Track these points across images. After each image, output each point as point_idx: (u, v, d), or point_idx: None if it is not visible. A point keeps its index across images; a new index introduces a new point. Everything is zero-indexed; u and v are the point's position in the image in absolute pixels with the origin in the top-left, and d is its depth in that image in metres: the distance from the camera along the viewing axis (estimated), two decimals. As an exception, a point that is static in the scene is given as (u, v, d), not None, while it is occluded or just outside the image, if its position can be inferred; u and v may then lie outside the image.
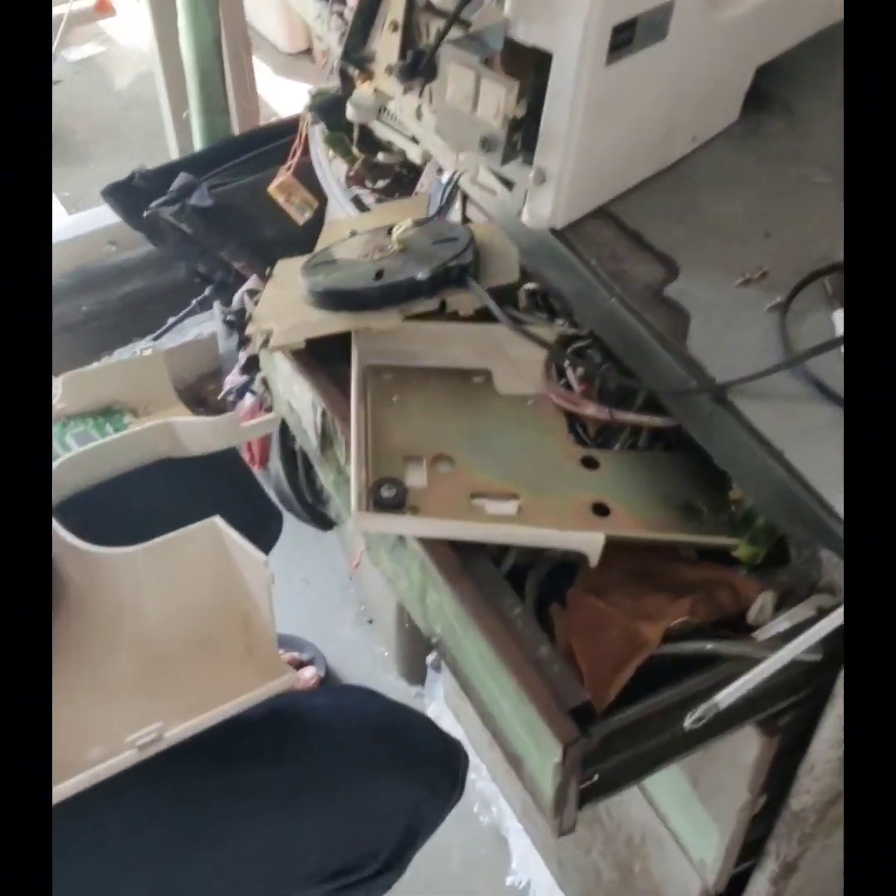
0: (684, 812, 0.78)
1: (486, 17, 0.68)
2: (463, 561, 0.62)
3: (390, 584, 0.73)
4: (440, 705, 1.34)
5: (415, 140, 0.95)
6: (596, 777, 0.60)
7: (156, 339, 1.51)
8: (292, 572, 1.53)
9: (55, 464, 0.83)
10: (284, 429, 1.51)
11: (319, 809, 0.77)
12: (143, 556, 0.74)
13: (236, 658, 0.76)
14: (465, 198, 0.86)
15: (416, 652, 1.39)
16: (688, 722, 0.54)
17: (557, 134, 0.66)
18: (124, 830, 0.71)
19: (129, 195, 1.36)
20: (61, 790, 0.65)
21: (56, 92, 2.12)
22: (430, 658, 1.39)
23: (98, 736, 0.71)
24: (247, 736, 0.77)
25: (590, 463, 0.67)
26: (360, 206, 1.05)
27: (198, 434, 0.89)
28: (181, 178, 1.33)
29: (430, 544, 0.63)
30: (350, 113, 0.82)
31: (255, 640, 0.76)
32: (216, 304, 1.56)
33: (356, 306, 0.72)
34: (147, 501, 0.89)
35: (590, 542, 0.61)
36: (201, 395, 1.74)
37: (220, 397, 1.45)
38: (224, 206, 1.32)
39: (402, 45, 0.73)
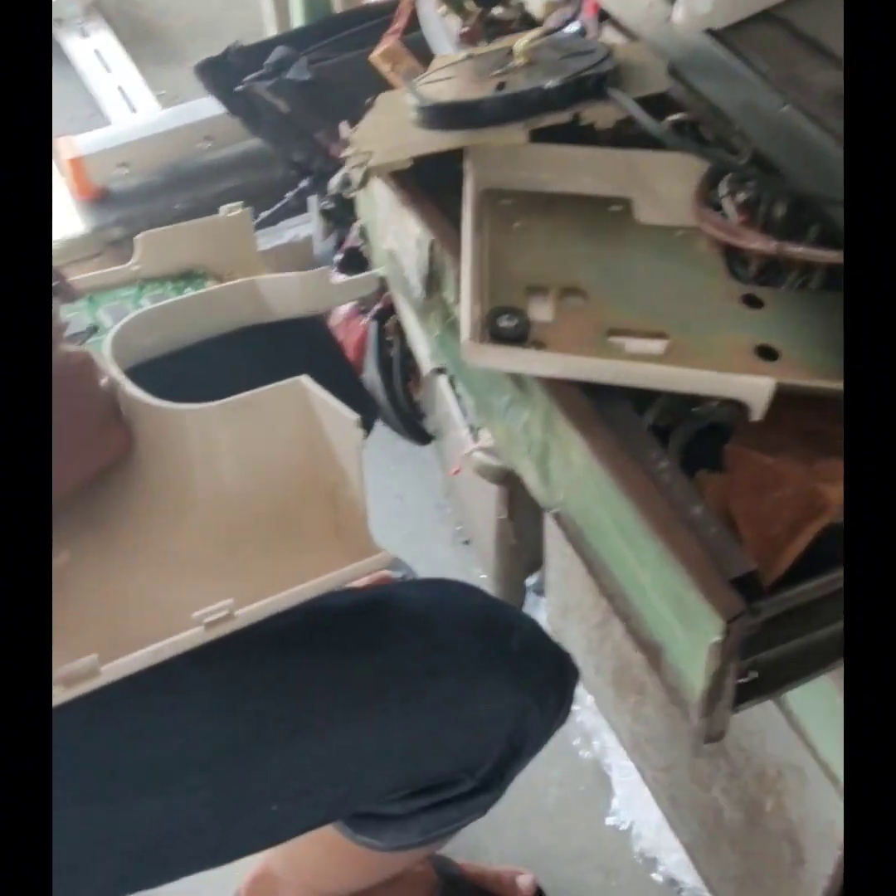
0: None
1: None
2: (597, 406, 0.51)
3: (503, 452, 0.62)
4: (541, 629, 1.24)
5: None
6: (754, 674, 0.49)
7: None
8: (386, 488, 1.44)
9: (130, 317, 0.74)
10: (380, 335, 1.42)
11: (412, 711, 0.67)
12: (217, 414, 0.64)
13: (322, 536, 0.66)
14: (600, 21, 0.74)
15: (516, 574, 1.29)
16: None
17: None
18: (189, 721, 0.62)
19: (223, 71, 1.27)
20: (117, 666, 0.56)
21: (155, -10, 2.05)
22: (531, 580, 1.28)
23: (163, 612, 0.62)
24: (331, 624, 0.67)
25: (753, 301, 0.55)
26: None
27: (286, 292, 0.79)
28: (278, 52, 1.23)
29: (557, 387, 0.52)
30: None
31: (344, 516, 0.66)
32: (312, 199, 1.47)
33: (473, 121, 0.61)
34: (226, 374, 0.80)
35: (756, 388, 0.50)
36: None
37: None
38: (323, 81, 1.21)
39: None
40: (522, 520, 1.18)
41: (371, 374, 1.43)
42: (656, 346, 0.52)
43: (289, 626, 0.62)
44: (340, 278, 0.81)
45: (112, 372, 0.67)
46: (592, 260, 0.57)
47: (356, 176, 0.70)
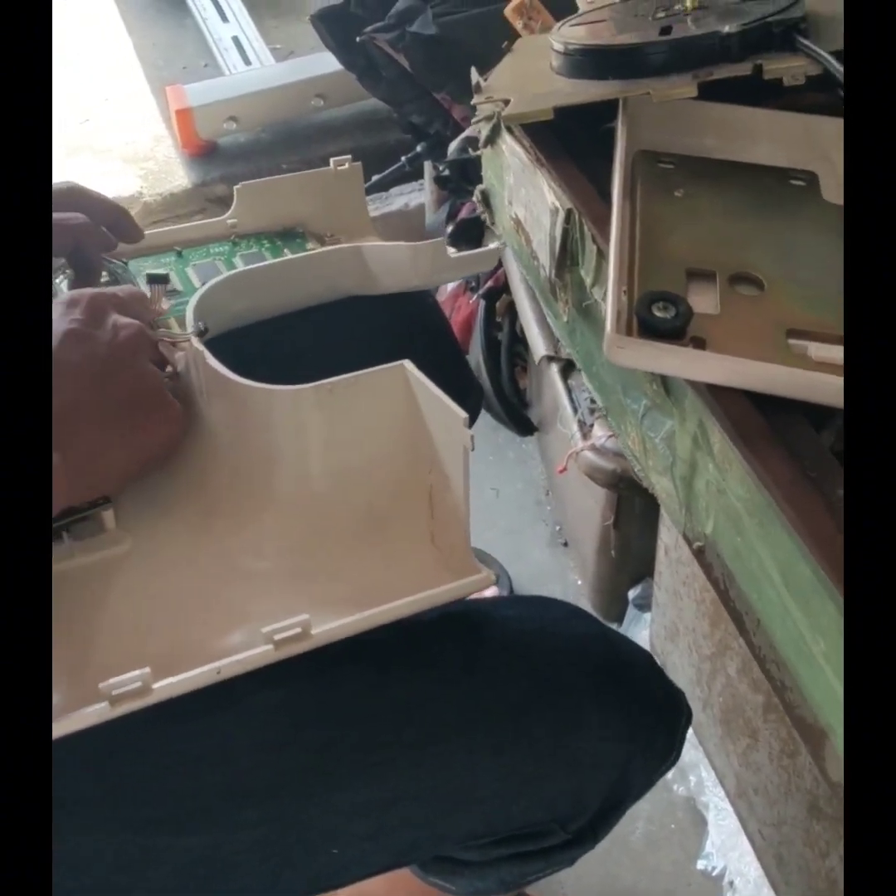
0: None
1: None
2: (771, 422, 0.41)
3: (636, 464, 0.52)
4: (641, 650, 1.15)
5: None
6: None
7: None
8: (483, 479, 1.35)
9: (218, 279, 0.66)
10: (489, 315, 1.33)
11: (503, 751, 0.58)
12: (310, 397, 0.55)
13: (415, 544, 0.57)
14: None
15: (618, 585, 1.19)
16: None
17: None
18: (243, 747, 0.54)
19: (343, 22, 1.19)
20: (172, 685, 0.48)
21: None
22: (634, 593, 1.18)
23: (227, 616, 0.54)
24: (416, 641, 0.58)
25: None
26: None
27: (396, 264, 0.69)
28: (403, 2, 1.14)
29: (718, 395, 0.42)
30: None
31: (441, 523, 0.57)
32: (427, 165, 1.38)
33: (631, 70, 0.51)
34: (319, 350, 0.71)
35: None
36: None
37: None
38: (449, 37, 1.12)
39: None
40: (629, 528, 1.08)
41: (475, 357, 1.34)
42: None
43: (367, 641, 0.53)
44: (455, 252, 0.71)
45: (192, 341, 0.59)
46: (769, 242, 0.47)
47: (484, 130, 0.61)
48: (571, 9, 0.91)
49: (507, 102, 0.53)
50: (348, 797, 0.56)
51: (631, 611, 1.20)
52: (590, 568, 1.22)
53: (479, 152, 0.63)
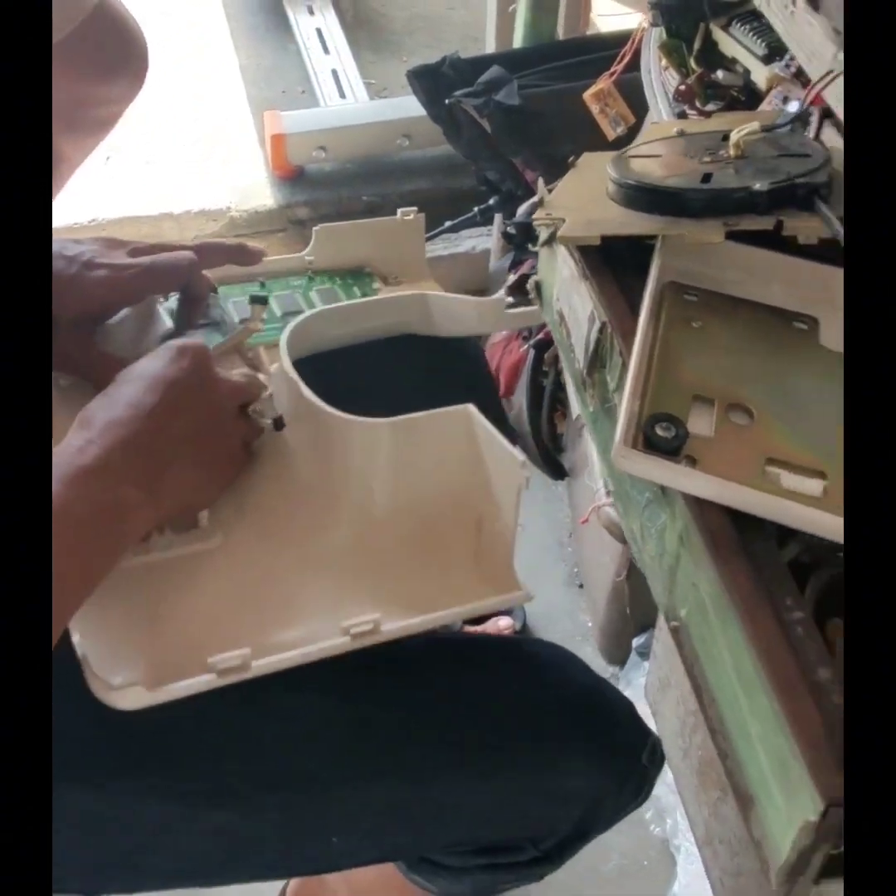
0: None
1: None
2: (740, 536, 0.49)
3: (633, 545, 0.60)
4: (635, 694, 1.22)
5: (764, 60, 0.81)
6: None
7: (429, 239, 1.44)
8: (509, 514, 1.43)
9: (307, 314, 0.77)
10: (537, 362, 1.41)
11: (497, 773, 0.66)
12: (386, 430, 0.65)
13: (462, 561, 0.67)
14: (822, 119, 0.71)
15: (624, 631, 1.26)
16: None
17: None
18: (278, 742, 0.63)
19: (435, 81, 1.28)
20: (268, 663, 0.58)
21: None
22: (638, 641, 1.26)
23: (303, 615, 0.63)
24: (428, 660, 0.67)
25: (926, 456, 0.52)
26: (685, 126, 0.91)
27: (453, 312, 0.80)
28: (492, 71, 1.23)
29: (702, 508, 0.50)
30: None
31: (487, 546, 0.67)
32: (497, 217, 1.47)
33: (672, 210, 0.60)
34: (384, 375, 0.81)
35: (911, 553, 0.47)
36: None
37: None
38: (530, 109, 1.21)
39: None
40: (638, 583, 1.16)
41: (519, 399, 1.42)
42: (814, 485, 0.50)
43: (383, 657, 0.62)
44: (511, 308, 0.82)
45: (287, 369, 0.69)
46: (766, 377, 0.55)
47: (543, 234, 0.69)
48: (645, 104, 1.00)
49: (563, 220, 0.62)
50: (359, 796, 0.64)
51: (633, 656, 1.28)
52: (600, 613, 1.29)
53: (537, 249, 0.72)
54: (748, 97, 0.90)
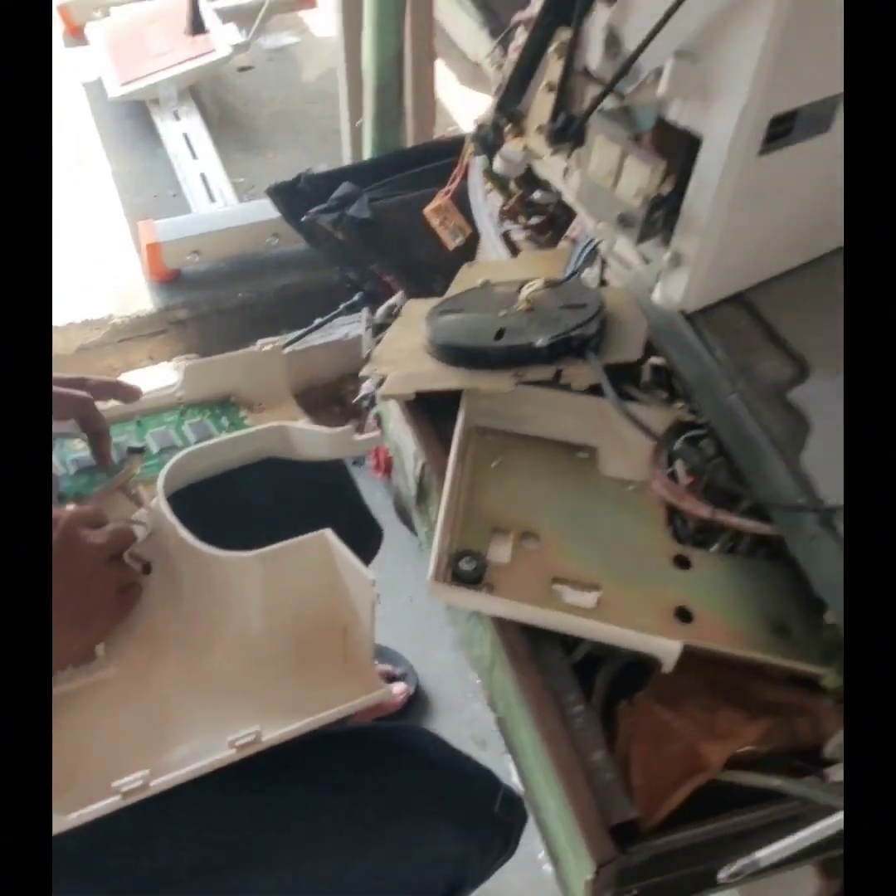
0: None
1: (642, 94, 0.66)
2: (532, 646, 0.61)
3: (465, 646, 0.72)
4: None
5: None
6: (635, 892, 0.58)
7: (302, 336, 1.54)
8: (399, 587, 1.54)
9: (181, 455, 0.86)
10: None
11: (370, 848, 0.77)
12: (255, 563, 0.76)
13: (331, 665, 0.77)
14: (604, 260, 0.84)
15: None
16: (723, 875, 0.51)
17: (699, 219, 0.64)
18: (171, 841, 0.72)
19: (292, 197, 1.39)
20: (164, 782, 0.67)
21: (246, 78, 2.19)
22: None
23: (194, 731, 0.73)
24: (310, 757, 0.77)
25: (682, 562, 0.65)
26: (510, 241, 1.04)
27: (310, 441, 0.91)
28: (343, 188, 1.35)
29: (502, 623, 0.62)
30: (497, 165, 0.82)
31: (352, 650, 0.77)
32: (365, 310, 1.59)
33: (472, 363, 0.72)
34: (253, 497, 0.91)
35: (666, 649, 0.59)
36: (339, 394, 1.78)
37: (355, 401, 1.47)
38: (380, 220, 1.33)
39: (554, 107, 0.72)
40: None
41: (398, 478, 1.53)
42: (590, 598, 0.62)
43: (281, 753, 0.71)
44: (360, 436, 0.93)
45: (164, 511, 0.79)
46: (553, 505, 0.67)
47: (374, 381, 0.81)
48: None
49: (383, 377, 0.74)
50: (249, 884, 0.74)
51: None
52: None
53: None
54: (564, 211, 1.03)
